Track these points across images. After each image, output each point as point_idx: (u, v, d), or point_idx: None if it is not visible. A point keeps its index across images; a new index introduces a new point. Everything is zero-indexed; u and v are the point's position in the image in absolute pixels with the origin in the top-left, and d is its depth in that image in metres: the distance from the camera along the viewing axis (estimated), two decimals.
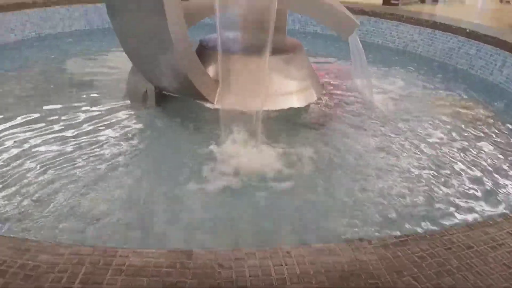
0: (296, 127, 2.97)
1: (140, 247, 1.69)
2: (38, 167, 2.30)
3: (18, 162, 2.34)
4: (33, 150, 2.48)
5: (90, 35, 5.62)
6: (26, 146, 2.52)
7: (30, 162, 2.35)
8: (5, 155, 2.40)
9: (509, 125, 3.24)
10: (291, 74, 3.29)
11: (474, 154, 2.73)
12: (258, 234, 1.88)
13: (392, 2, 11.68)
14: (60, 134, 2.69)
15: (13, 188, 2.09)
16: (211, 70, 3.20)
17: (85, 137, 2.67)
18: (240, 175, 2.28)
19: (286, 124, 2.98)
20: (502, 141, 2.96)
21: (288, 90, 3.26)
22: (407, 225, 1.95)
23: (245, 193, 2.16)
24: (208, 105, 3.09)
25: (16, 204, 1.97)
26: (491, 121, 3.32)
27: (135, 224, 1.89)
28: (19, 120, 2.86)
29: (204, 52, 3.27)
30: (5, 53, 4.55)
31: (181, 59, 2.76)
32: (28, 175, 2.22)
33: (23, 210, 1.93)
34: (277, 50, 3.15)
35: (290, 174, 2.34)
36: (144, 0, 2.58)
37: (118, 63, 4.09)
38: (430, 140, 2.88)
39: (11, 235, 1.48)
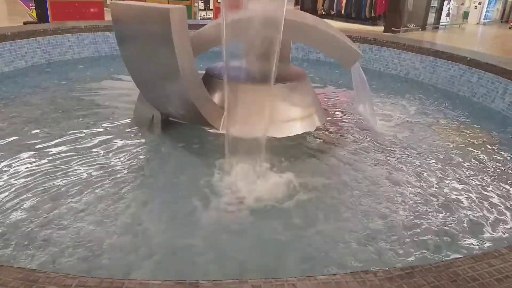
0: (300, 155, 3.00)
1: (144, 276, 1.71)
2: (41, 191, 2.33)
3: (22, 184, 2.38)
4: (38, 174, 2.52)
5: (98, 61, 5.75)
6: (32, 169, 2.56)
7: (34, 186, 2.38)
8: (12, 178, 2.43)
9: (511, 153, 3.27)
10: (295, 101, 3.36)
11: (478, 182, 2.74)
12: (263, 264, 1.88)
13: (393, 29, 11.94)
14: (66, 159, 2.73)
15: (16, 213, 2.11)
16: (216, 98, 3.28)
17: (90, 161, 2.70)
18: (244, 203, 2.29)
19: (290, 151, 3.01)
20: (506, 169, 2.96)
21: (292, 117, 3.33)
22: (412, 256, 1.94)
23: (249, 221, 2.16)
24: (213, 131, 3.15)
25: (18, 230, 1.99)
26: (494, 148, 3.33)
27: (138, 253, 1.89)
28: (26, 144, 2.91)
29: (210, 80, 3.35)
30: (15, 79, 4.67)
31: (188, 88, 2.83)
32: (32, 199, 2.24)
33: (26, 236, 1.94)
34: (282, 78, 3.22)
35: (294, 203, 2.34)
36: (153, 31, 2.67)
37: (125, 89, 4.18)
38: (433, 169, 2.89)
39: (19, 266, 1.48)
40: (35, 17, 8.95)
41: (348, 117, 3.85)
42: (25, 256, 1.82)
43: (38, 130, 3.18)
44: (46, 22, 8.17)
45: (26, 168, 2.59)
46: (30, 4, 9.37)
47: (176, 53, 2.60)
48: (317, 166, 2.87)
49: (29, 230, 2.00)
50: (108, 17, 2.92)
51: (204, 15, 12.23)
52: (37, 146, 2.90)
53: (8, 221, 2.06)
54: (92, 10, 8.87)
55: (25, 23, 8.45)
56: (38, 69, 5.15)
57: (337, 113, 3.96)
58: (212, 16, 11.61)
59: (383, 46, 5.92)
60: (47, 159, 2.72)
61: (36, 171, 2.56)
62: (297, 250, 1.97)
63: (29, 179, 2.46)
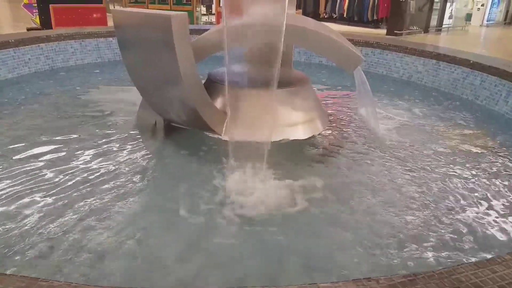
0: (302, 159, 3.00)
1: (146, 285, 1.71)
2: (43, 197, 2.34)
3: (24, 191, 2.39)
4: (40, 180, 2.53)
5: (101, 67, 5.78)
6: (35, 177, 2.57)
7: (36, 192, 2.39)
8: (17, 185, 2.44)
9: None
10: (298, 106, 3.36)
11: (481, 186, 2.72)
12: (265, 271, 1.87)
13: (396, 32, 11.92)
14: (69, 165, 2.75)
15: (19, 219, 2.13)
16: (219, 103, 3.28)
17: (93, 167, 2.72)
18: (246, 208, 2.29)
19: (292, 156, 3.01)
20: (509, 173, 2.95)
21: (295, 122, 3.32)
22: (415, 262, 1.93)
23: (251, 227, 2.16)
24: (216, 137, 3.15)
25: (22, 239, 2.00)
26: (498, 151, 3.32)
27: (139, 260, 1.89)
28: (29, 151, 2.93)
29: (213, 85, 3.36)
30: (19, 85, 4.69)
31: (190, 93, 2.84)
32: (33, 206, 2.25)
33: (30, 245, 1.95)
34: (284, 83, 3.23)
35: (297, 208, 2.34)
36: (155, 37, 2.68)
37: (128, 95, 4.20)
38: (436, 172, 2.88)
39: (21, 275, 1.49)
40: (39, 23, 9.02)
41: (351, 121, 3.85)
42: (28, 264, 1.83)
43: (41, 137, 3.20)
44: (49, 28, 8.23)
45: (28, 173, 2.61)
46: (34, 11, 9.45)
47: (178, 59, 2.61)
48: (319, 171, 2.86)
49: (31, 236, 2.00)
50: (110, 22, 2.93)
51: (206, 19, 12.27)
52: (40, 152, 2.92)
53: (10, 227, 2.07)
54: (95, 15, 8.93)
55: (28, 30, 8.51)
56: (42, 76, 5.18)
57: (339, 117, 3.96)
58: (215, 20, 11.65)
59: (385, 49, 5.91)
60: (50, 165, 2.73)
61: (39, 176, 2.58)
62: (299, 257, 1.96)
63: (31, 183, 2.48)
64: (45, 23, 8.64)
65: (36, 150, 2.95)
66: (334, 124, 3.73)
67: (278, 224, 2.20)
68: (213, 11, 12.18)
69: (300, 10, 13.85)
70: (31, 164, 2.75)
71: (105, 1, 9.51)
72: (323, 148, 3.22)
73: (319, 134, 3.42)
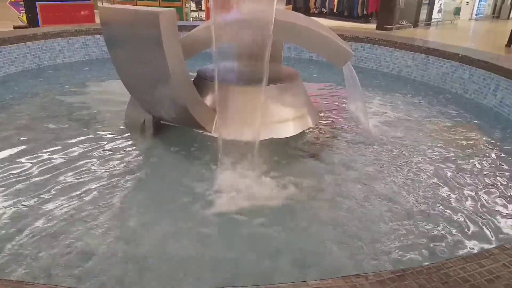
0: (293, 155, 2.99)
1: (134, 284, 1.70)
2: (31, 198, 2.31)
3: (10, 192, 2.36)
4: (27, 181, 2.50)
5: (89, 65, 5.72)
6: (22, 176, 2.54)
7: (24, 192, 2.36)
8: (2, 184, 2.41)
9: (504, 149, 3.27)
10: (288, 102, 3.35)
11: (470, 180, 2.74)
12: (254, 269, 1.87)
13: (386, 27, 11.96)
14: (57, 164, 2.71)
15: (5, 221, 2.10)
16: (208, 100, 3.26)
17: (82, 167, 2.69)
18: (236, 206, 2.28)
19: (283, 153, 3.00)
20: (498, 166, 2.98)
21: (285, 118, 3.32)
22: (406, 257, 1.95)
23: (241, 225, 2.15)
24: (205, 134, 3.13)
25: (7, 239, 1.97)
26: (487, 145, 3.35)
27: (128, 261, 1.87)
28: (16, 151, 2.89)
29: (202, 82, 3.34)
30: (5, 84, 4.62)
31: (179, 91, 2.82)
32: (21, 208, 2.22)
33: (16, 247, 1.92)
34: (274, 79, 3.22)
35: (287, 205, 2.34)
36: (143, 34, 2.65)
37: (116, 93, 4.15)
38: (426, 167, 2.89)
39: (6, 278, 1.47)
40: (26, 21, 8.89)
41: (341, 117, 3.85)
42: (15, 266, 1.80)
43: (28, 136, 3.16)
44: (36, 26, 8.11)
45: (15, 174, 2.57)
46: (21, 9, 9.30)
47: (166, 56, 2.58)
48: (309, 167, 2.86)
49: (18, 239, 1.97)
50: (98, 19, 2.88)
51: (196, 16, 12.19)
52: (27, 152, 2.87)
53: None
54: (82, 13, 8.82)
55: (15, 28, 8.38)
56: (29, 75, 5.11)
57: (330, 112, 3.96)
58: (204, 16, 11.58)
59: (375, 44, 5.92)
60: (38, 165, 2.69)
61: (26, 177, 2.54)
62: (289, 253, 1.96)
63: (19, 185, 2.44)
64: (32, 21, 8.51)
65: (22, 150, 2.91)
66: (325, 120, 3.73)
67: (266, 219, 2.19)
68: (203, 7, 12.10)
69: (291, 6, 13.82)
70: (17, 164, 2.71)
71: None
72: (313, 144, 3.22)
73: (310, 129, 3.41)
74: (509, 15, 18.35)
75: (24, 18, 9.05)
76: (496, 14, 18.88)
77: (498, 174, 2.84)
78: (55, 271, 1.78)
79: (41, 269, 1.79)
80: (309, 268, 1.87)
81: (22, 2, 8.87)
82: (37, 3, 8.26)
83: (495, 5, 18.90)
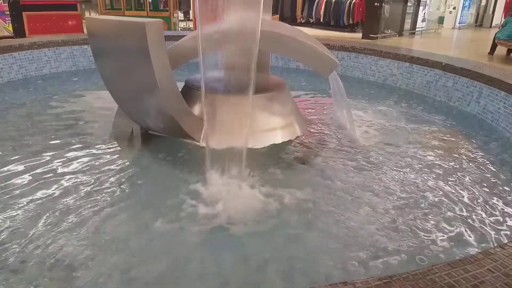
0: (280, 164, 3.01)
1: None
2: (18, 209, 2.28)
3: None
4: (14, 192, 2.47)
5: (76, 75, 5.69)
6: (8, 187, 2.51)
7: (10, 205, 2.33)
8: None
9: (487, 155, 3.34)
10: (275, 111, 3.37)
11: (454, 186, 2.79)
12: (244, 278, 1.87)
13: (371, 36, 12.13)
14: (44, 176, 2.68)
15: None
16: (196, 109, 3.27)
17: (69, 178, 2.66)
18: (224, 215, 2.27)
19: (270, 161, 3.02)
20: (482, 172, 3.03)
21: (272, 127, 3.34)
22: (394, 264, 1.97)
23: (229, 234, 2.15)
24: (194, 143, 3.13)
25: None
26: (471, 150, 3.41)
27: (117, 271, 1.86)
28: (1, 162, 2.85)
29: (190, 92, 3.35)
30: None
31: (166, 101, 2.82)
32: (7, 220, 2.19)
33: (4, 256, 1.90)
34: (261, 89, 3.24)
35: (274, 214, 2.35)
36: (130, 45, 2.65)
37: (104, 103, 4.14)
38: (411, 174, 2.94)
39: None
40: (12, 31, 8.80)
41: (328, 125, 3.89)
42: (2, 277, 1.77)
43: (14, 147, 3.12)
44: (23, 36, 8.04)
45: (0, 185, 2.53)
46: (7, 19, 9.22)
47: (153, 67, 2.58)
48: (297, 175, 2.88)
49: (5, 251, 1.94)
50: (86, 29, 2.87)
51: (184, 25, 12.23)
52: (13, 163, 2.84)
53: None
54: (70, 23, 8.77)
55: (1, 38, 8.29)
56: (15, 85, 5.06)
57: (317, 121, 4.00)
58: (192, 26, 11.62)
59: (360, 53, 6.02)
60: (24, 176, 2.66)
61: (12, 189, 2.51)
62: (278, 263, 1.96)
63: (4, 198, 2.41)
64: (19, 31, 8.43)
65: (9, 161, 2.87)
66: (312, 128, 3.76)
67: (254, 227, 2.20)
68: (191, 17, 12.15)
69: (277, 16, 13.95)
70: (3, 175, 2.67)
71: (80, 8, 9.36)
72: (300, 152, 3.24)
73: (297, 138, 3.44)
74: (491, 23, 18.77)
75: (10, 28, 8.97)
76: (479, 22, 19.30)
77: (483, 178, 2.90)
78: (38, 281, 1.76)
79: (27, 281, 1.76)
80: (297, 276, 1.87)
81: (8, 12, 8.80)
82: (23, 13, 8.19)
83: (478, 14, 19.32)
